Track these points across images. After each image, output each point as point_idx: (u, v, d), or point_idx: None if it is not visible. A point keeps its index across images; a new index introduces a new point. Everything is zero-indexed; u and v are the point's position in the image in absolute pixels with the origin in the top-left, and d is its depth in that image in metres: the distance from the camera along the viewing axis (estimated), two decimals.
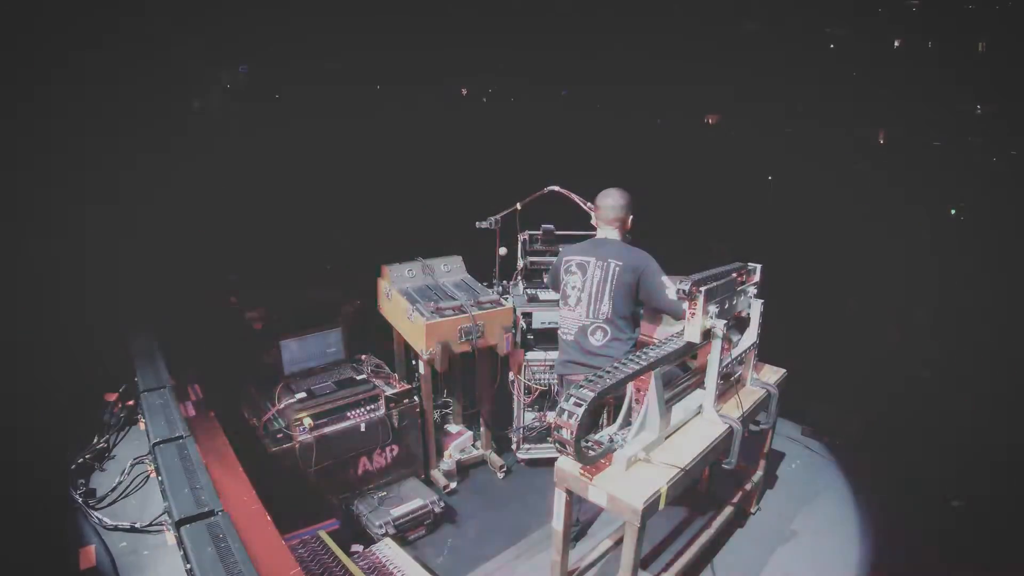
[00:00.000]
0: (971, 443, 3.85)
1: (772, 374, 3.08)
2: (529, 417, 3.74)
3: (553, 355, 3.53)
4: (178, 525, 1.75)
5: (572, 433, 1.99)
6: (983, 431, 4.11)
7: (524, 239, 3.79)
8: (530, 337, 3.68)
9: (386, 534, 2.95)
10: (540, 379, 3.64)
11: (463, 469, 3.73)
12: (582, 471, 2.18)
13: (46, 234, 3.58)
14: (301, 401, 3.13)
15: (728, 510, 3.11)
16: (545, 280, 3.50)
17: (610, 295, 2.73)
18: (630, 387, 2.32)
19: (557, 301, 3.19)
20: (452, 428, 3.93)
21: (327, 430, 3.11)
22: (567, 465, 2.23)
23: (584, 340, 2.81)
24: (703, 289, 2.31)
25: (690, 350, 2.52)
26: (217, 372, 4.19)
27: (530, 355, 3.61)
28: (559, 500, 2.30)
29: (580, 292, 2.80)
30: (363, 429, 3.23)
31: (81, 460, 2.47)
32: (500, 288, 3.78)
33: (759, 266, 2.76)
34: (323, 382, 3.35)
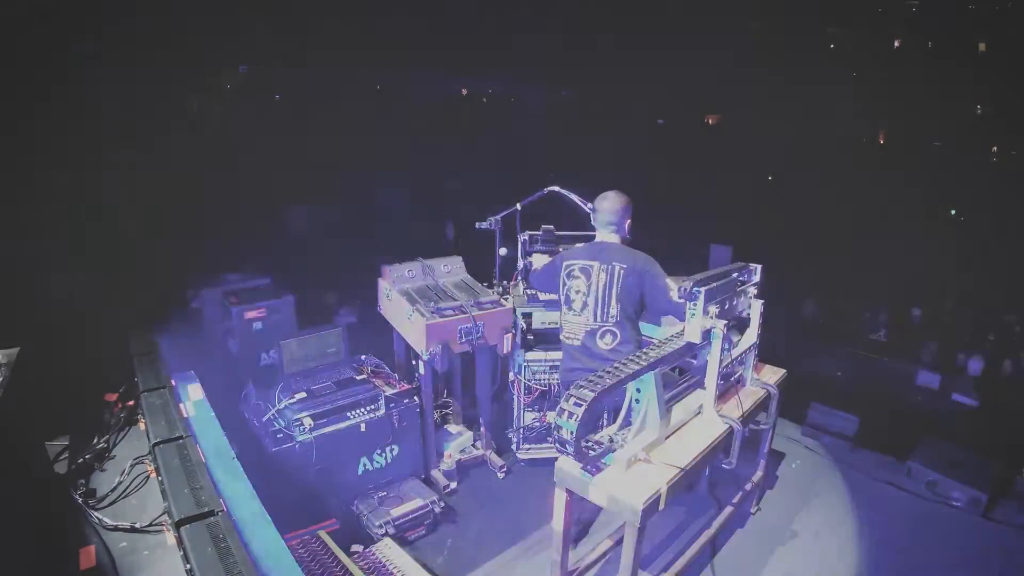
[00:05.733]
0: (973, 441, 3.84)
1: (772, 374, 3.08)
2: (529, 417, 3.74)
3: (553, 355, 3.53)
4: (178, 525, 1.75)
5: (572, 433, 1.99)
6: (984, 430, 4.11)
7: (524, 239, 3.78)
8: (530, 337, 3.68)
9: (386, 534, 2.94)
10: (540, 379, 3.64)
11: (463, 469, 3.72)
12: (582, 471, 2.18)
13: (44, 233, 3.59)
14: (301, 401, 3.13)
15: (728, 510, 3.11)
16: (530, 283, 3.48)
17: (617, 298, 2.73)
18: (630, 387, 2.32)
19: (557, 302, 3.18)
20: (452, 428, 3.92)
21: (327, 430, 3.10)
22: (567, 465, 2.23)
23: (593, 344, 2.80)
24: (703, 289, 2.31)
25: (690, 350, 2.52)
26: (217, 372, 4.19)
27: (530, 355, 3.61)
28: (559, 500, 2.30)
29: (586, 297, 2.79)
30: (363, 429, 3.23)
31: (81, 460, 2.47)
32: (500, 288, 3.78)
33: (759, 266, 2.76)
34: (323, 382, 3.34)
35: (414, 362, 3.72)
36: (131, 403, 2.85)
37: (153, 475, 2.33)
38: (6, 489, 2.05)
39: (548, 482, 2.33)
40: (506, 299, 3.60)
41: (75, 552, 1.95)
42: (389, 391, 3.38)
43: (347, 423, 3.18)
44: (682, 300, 2.37)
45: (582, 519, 3.19)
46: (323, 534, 2.76)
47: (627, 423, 2.37)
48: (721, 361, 2.50)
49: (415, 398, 3.44)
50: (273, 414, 3.11)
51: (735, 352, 2.71)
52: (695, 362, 2.88)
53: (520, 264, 3.81)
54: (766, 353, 3.02)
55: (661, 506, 2.13)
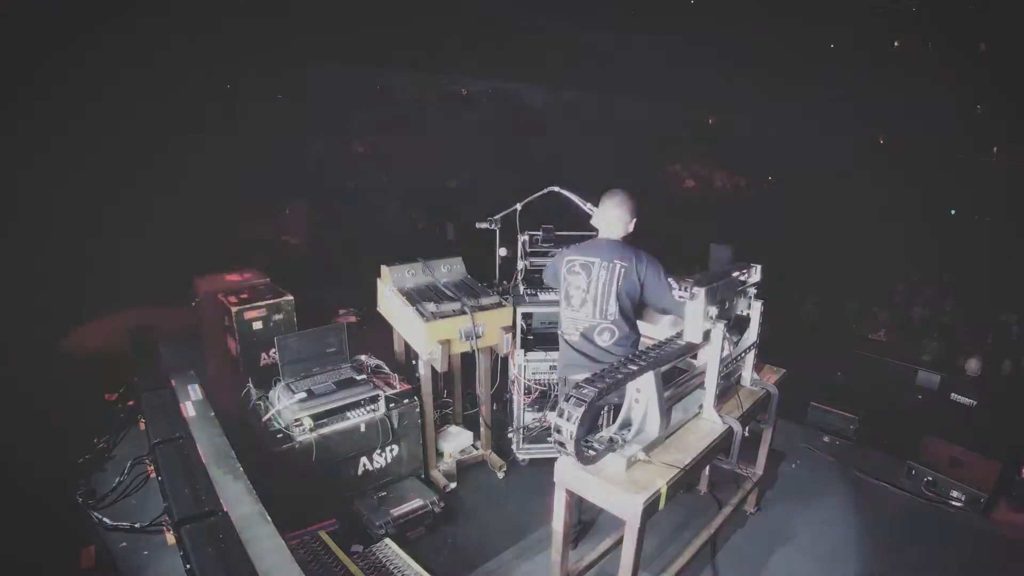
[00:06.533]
0: (973, 441, 3.84)
1: (772, 374, 3.08)
2: (529, 417, 3.74)
3: (554, 355, 3.53)
4: (178, 525, 1.75)
5: (572, 433, 1.99)
6: (984, 430, 4.11)
7: (524, 240, 3.79)
8: (530, 337, 3.68)
9: (386, 534, 2.94)
10: (540, 379, 3.64)
11: (463, 469, 3.73)
12: (582, 471, 2.18)
13: (46, 235, 3.59)
14: (301, 401, 3.13)
15: (728, 510, 3.11)
16: (543, 277, 3.51)
17: (616, 296, 2.73)
18: (630, 387, 2.32)
19: (557, 302, 3.18)
20: (452, 428, 3.92)
21: (327, 430, 3.10)
22: (567, 465, 2.23)
23: (590, 341, 2.81)
24: (704, 289, 2.31)
25: (690, 350, 2.52)
26: (217, 372, 4.19)
27: (530, 355, 3.61)
28: (559, 500, 2.30)
29: (585, 293, 2.80)
30: (363, 429, 3.23)
31: (81, 460, 2.47)
32: (500, 289, 3.78)
33: (759, 266, 2.76)
34: (323, 382, 3.34)
35: (414, 362, 3.72)
36: (131, 403, 2.85)
37: (153, 475, 2.34)
38: (7, 489, 2.05)
39: (548, 482, 2.33)
40: (506, 299, 3.60)
41: (75, 552, 1.95)
42: (389, 391, 3.38)
43: (347, 423, 3.18)
44: (682, 300, 2.36)
45: (582, 519, 3.19)
46: (323, 534, 2.76)
47: (627, 423, 2.37)
48: (721, 361, 2.50)
49: (415, 398, 3.44)
50: (273, 414, 3.12)
51: (735, 352, 2.71)
52: (695, 362, 2.88)
53: (520, 264, 3.81)
54: (766, 353, 3.01)
55: (661, 506, 2.13)
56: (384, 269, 3.72)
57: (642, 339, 2.95)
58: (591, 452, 2.16)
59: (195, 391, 3.20)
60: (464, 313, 3.34)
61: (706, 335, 2.41)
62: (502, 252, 3.78)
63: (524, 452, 3.79)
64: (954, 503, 3.44)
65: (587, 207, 3.20)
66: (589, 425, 2.53)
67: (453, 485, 3.57)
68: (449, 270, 3.84)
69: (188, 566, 1.62)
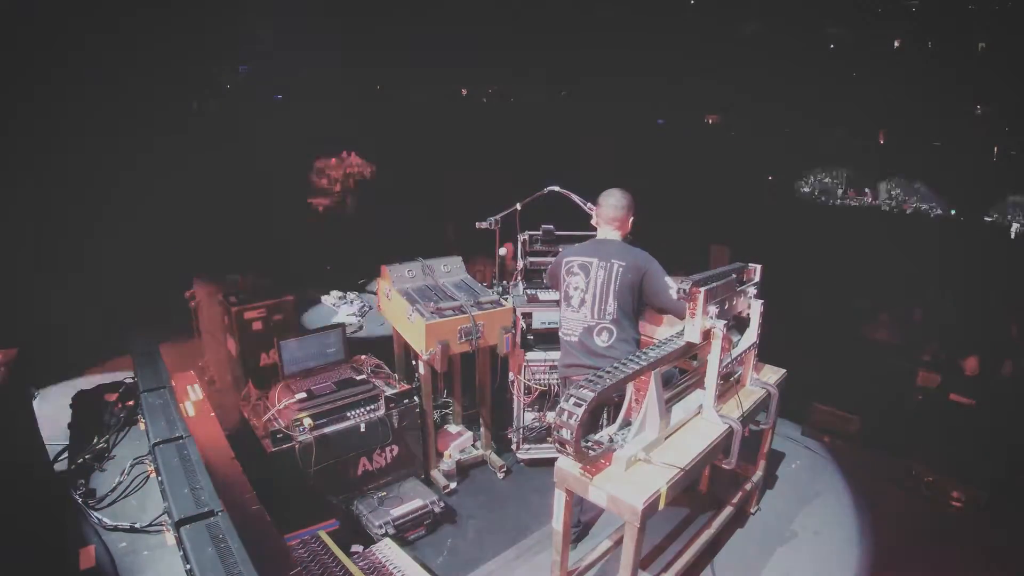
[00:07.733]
0: (972, 441, 3.85)
1: (772, 374, 3.08)
2: (529, 417, 3.74)
3: (553, 355, 3.53)
4: (178, 525, 1.74)
5: (572, 433, 1.99)
6: (984, 430, 4.11)
7: (524, 239, 3.79)
8: (530, 337, 3.68)
9: (386, 534, 2.94)
10: (540, 379, 3.64)
11: (463, 469, 3.73)
12: (582, 471, 2.18)
13: (45, 234, 3.59)
14: (301, 401, 3.13)
15: (728, 510, 3.11)
16: (544, 279, 3.51)
17: (615, 295, 2.74)
18: (630, 387, 2.32)
19: (557, 301, 3.18)
20: (452, 428, 3.92)
21: (327, 430, 3.10)
22: (567, 465, 2.23)
23: (590, 341, 2.81)
24: (703, 289, 2.31)
25: (690, 350, 2.52)
26: (216, 372, 4.19)
27: (530, 355, 3.61)
28: (559, 500, 2.30)
29: (584, 293, 2.80)
30: (363, 429, 3.23)
31: (81, 460, 2.47)
32: (500, 288, 3.78)
33: (759, 266, 2.76)
34: (323, 382, 3.34)
35: (414, 362, 3.72)
36: (131, 403, 2.85)
37: (153, 475, 2.33)
38: (6, 489, 2.05)
39: (548, 482, 2.33)
40: (505, 299, 3.60)
41: (75, 552, 1.95)
42: (389, 391, 3.38)
43: (347, 423, 3.18)
44: (681, 299, 2.37)
45: (582, 519, 3.19)
46: (323, 534, 2.76)
47: (627, 423, 2.37)
48: (721, 361, 2.50)
49: (415, 398, 3.44)
50: (273, 414, 3.11)
51: (735, 352, 2.71)
52: (695, 362, 2.88)
53: (519, 264, 3.82)
54: (766, 353, 3.02)
55: (661, 506, 2.13)
56: (384, 269, 3.72)
57: (642, 339, 2.95)
58: (591, 452, 2.16)
59: (195, 391, 3.20)
60: (464, 313, 3.34)
61: (706, 335, 2.41)
62: (502, 252, 3.78)
63: (524, 452, 3.80)
64: (954, 503, 3.44)
65: (587, 207, 3.21)
66: (589, 425, 2.53)
67: (453, 485, 3.57)
68: (448, 270, 3.84)
69: (188, 566, 1.62)
